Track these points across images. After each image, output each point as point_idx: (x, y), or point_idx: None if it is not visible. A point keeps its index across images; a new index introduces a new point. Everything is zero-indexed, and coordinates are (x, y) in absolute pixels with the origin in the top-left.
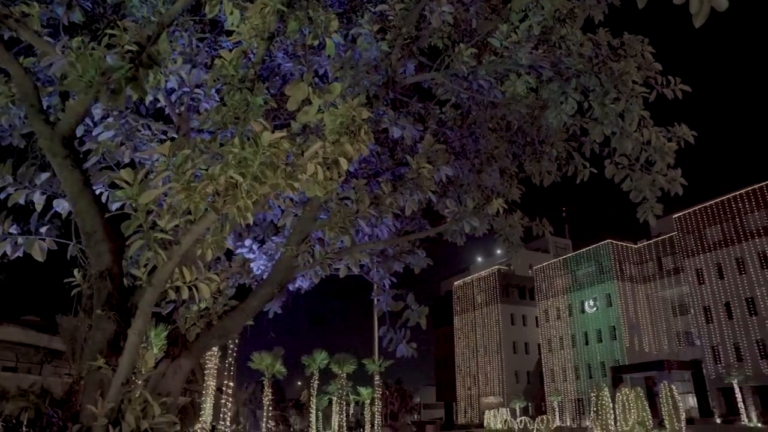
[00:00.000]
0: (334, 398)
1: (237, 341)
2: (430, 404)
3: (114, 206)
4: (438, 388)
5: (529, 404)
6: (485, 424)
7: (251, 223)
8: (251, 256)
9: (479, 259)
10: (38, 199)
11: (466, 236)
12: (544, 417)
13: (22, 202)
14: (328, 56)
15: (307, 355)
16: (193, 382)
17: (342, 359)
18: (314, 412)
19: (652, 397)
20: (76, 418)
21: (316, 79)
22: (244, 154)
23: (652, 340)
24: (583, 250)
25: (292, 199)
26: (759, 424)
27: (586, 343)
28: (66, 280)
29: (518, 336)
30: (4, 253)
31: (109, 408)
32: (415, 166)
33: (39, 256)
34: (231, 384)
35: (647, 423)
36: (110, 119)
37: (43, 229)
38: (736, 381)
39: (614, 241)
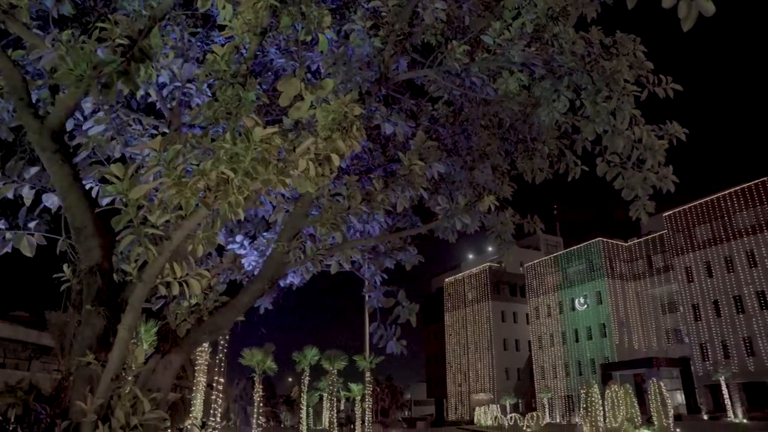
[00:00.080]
0: (325, 394)
1: (228, 337)
2: (420, 401)
3: (104, 201)
4: (429, 384)
5: (520, 401)
6: (475, 421)
7: (242, 218)
8: (242, 251)
9: (470, 256)
10: (27, 194)
11: (457, 233)
12: (534, 414)
13: (10, 196)
14: (321, 52)
15: (298, 352)
16: (183, 378)
17: (333, 355)
18: (305, 408)
19: (641, 394)
20: (65, 414)
21: (309, 75)
22: (236, 149)
23: (642, 338)
24: (574, 247)
25: (283, 195)
26: (745, 420)
27: (576, 341)
28: (55, 276)
29: (509, 333)
30: None
31: (98, 404)
32: (407, 163)
33: (28, 252)
34: (221, 380)
35: (636, 419)
36: (101, 113)
37: (31, 224)
38: (723, 378)
39: (605, 239)
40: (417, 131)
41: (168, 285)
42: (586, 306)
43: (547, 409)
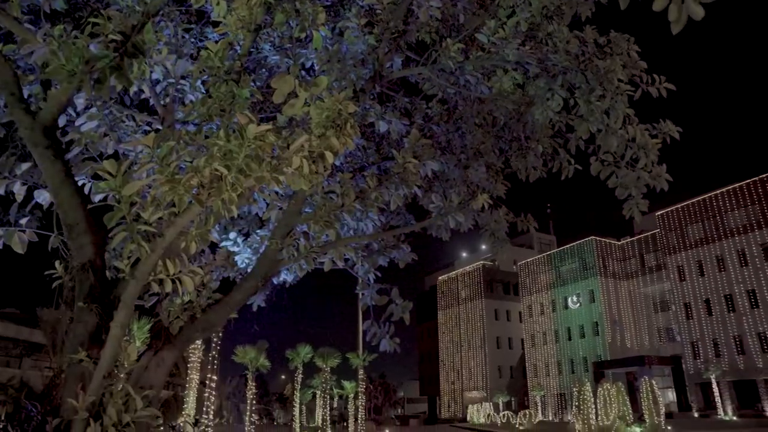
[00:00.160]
0: (318, 392)
1: (220, 335)
2: (413, 398)
3: (97, 198)
4: (422, 382)
5: (512, 399)
6: (468, 419)
7: (236, 215)
8: (236, 249)
9: (464, 254)
10: (18, 190)
11: (451, 231)
12: (527, 411)
13: (1, 192)
14: (315, 49)
15: (291, 349)
16: (176, 376)
17: (326, 353)
18: (298, 405)
19: (633, 392)
20: (56, 411)
21: (303, 72)
22: (230, 146)
23: (634, 336)
24: (567, 246)
25: (277, 193)
26: (734, 418)
27: (569, 339)
28: (47, 273)
29: (502, 331)
30: None
31: (90, 401)
32: (401, 161)
33: (19, 248)
34: (214, 377)
35: (627, 417)
36: (94, 109)
37: (23, 221)
38: (713, 376)
39: (598, 238)
40: (411, 129)
41: (161, 282)
42: (578, 304)
43: (539, 407)
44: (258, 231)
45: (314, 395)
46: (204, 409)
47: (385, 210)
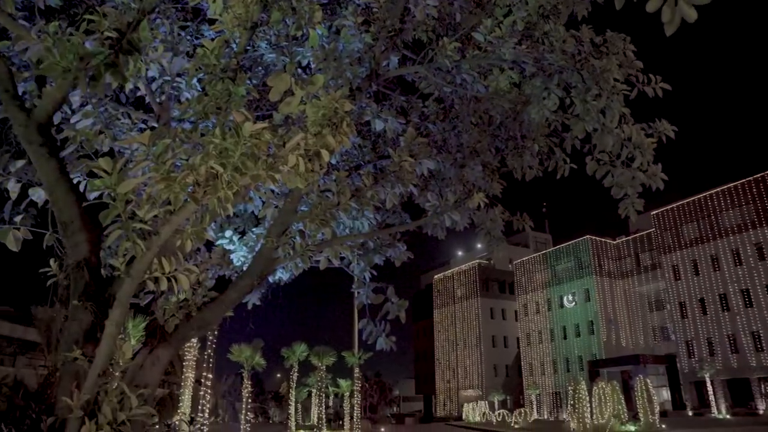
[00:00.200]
0: (314, 390)
1: (216, 333)
2: (409, 397)
3: (92, 195)
4: (417, 381)
5: (508, 397)
6: (464, 417)
7: (231, 214)
8: (231, 247)
9: (460, 253)
10: (13, 187)
11: (446, 230)
12: (522, 410)
13: None
14: (312, 47)
15: (287, 347)
16: (171, 374)
17: (322, 351)
18: (293, 404)
19: (628, 391)
20: (51, 410)
21: (299, 70)
22: (225, 144)
23: (629, 335)
24: (563, 245)
25: (273, 191)
26: (728, 416)
27: (564, 338)
28: (41, 271)
29: (497, 330)
30: None
31: (84, 400)
32: (397, 159)
33: (13, 246)
34: (210, 376)
35: (622, 416)
36: (89, 107)
37: (17, 218)
38: (707, 375)
39: (593, 237)
40: (407, 128)
41: (156, 280)
42: (574, 303)
43: (534, 406)
44: (254, 229)
45: (310, 394)
46: (199, 407)
47: (381, 208)
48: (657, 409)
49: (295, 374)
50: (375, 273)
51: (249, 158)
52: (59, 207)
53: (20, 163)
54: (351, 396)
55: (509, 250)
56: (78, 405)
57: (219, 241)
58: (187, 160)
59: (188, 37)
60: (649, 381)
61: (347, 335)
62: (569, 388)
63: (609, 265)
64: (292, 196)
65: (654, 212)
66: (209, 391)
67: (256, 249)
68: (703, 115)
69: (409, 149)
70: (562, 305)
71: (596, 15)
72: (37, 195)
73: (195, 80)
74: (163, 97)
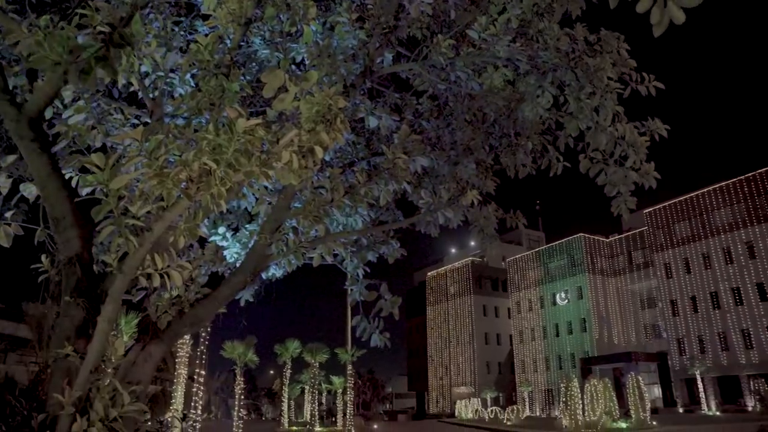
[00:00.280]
0: (307, 387)
1: (209, 329)
2: (402, 394)
3: (84, 191)
4: (410, 378)
5: (500, 394)
6: (456, 414)
7: (225, 210)
8: (224, 243)
9: (453, 250)
10: (4, 183)
11: (440, 227)
12: (515, 407)
13: None
14: (306, 44)
15: (280, 344)
16: (164, 371)
17: (315, 348)
18: (286, 401)
19: (620, 388)
20: (42, 407)
21: (293, 67)
22: (219, 140)
23: (621, 333)
24: (556, 243)
25: (266, 187)
26: (718, 413)
27: (557, 335)
28: (33, 267)
29: (490, 327)
30: None
31: (76, 396)
32: (391, 156)
33: (4, 242)
34: (203, 372)
35: (614, 413)
36: (81, 102)
37: (8, 214)
38: (698, 372)
39: (586, 235)
40: (401, 125)
41: (149, 276)
42: (567, 301)
43: (527, 403)
44: (247, 226)
45: (303, 390)
46: (192, 404)
47: (375, 205)
48: (648, 406)
49: (288, 371)
50: (368, 270)
51: (242, 154)
52: (51, 202)
53: (11, 158)
54: (344, 393)
55: (502, 248)
56: (69, 402)
57: (212, 238)
58: (180, 156)
59: (182, 33)
60: (640, 378)
61: (340, 332)
62: (561, 385)
63: (602, 263)
64: (285, 193)
65: (647, 210)
66: (202, 387)
67: (249, 245)
68: (696, 114)
69: (402, 146)
70: (554, 303)
71: (590, 14)
72: (29, 190)
73: (188, 76)
74: (156, 93)
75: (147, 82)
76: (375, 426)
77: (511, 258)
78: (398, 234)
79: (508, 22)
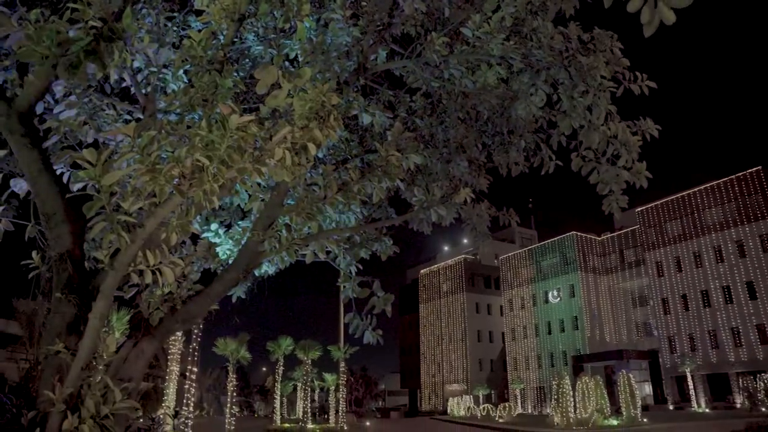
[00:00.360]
0: (299, 384)
1: (201, 326)
2: (394, 391)
3: (75, 187)
4: (402, 375)
5: (492, 392)
6: (449, 411)
7: (217, 207)
8: (217, 240)
9: (446, 248)
10: None
11: (433, 225)
12: (507, 404)
13: None
14: (299, 40)
15: (273, 341)
16: (156, 367)
17: (307, 345)
18: (279, 397)
19: (611, 385)
20: (33, 404)
21: (287, 63)
22: (212, 137)
23: (613, 331)
24: (548, 241)
25: (259, 184)
26: (707, 410)
27: (549, 333)
28: (23, 263)
29: (483, 325)
30: None
31: (67, 393)
32: (384, 154)
33: None
34: (195, 369)
35: (605, 410)
36: (73, 97)
37: None
38: (688, 370)
39: (579, 233)
40: (394, 122)
41: (141, 273)
42: (559, 299)
43: (519, 400)
44: (240, 222)
45: (295, 387)
46: (184, 401)
47: (368, 203)
48: (639, 404)
49: (281, 368)
50: (361, 267)
51: (235, 151)
52: (42, 198)
53: (2, 153)
54: (336, 390)
55: (495, 246)
56: (60, 398)
57: (204, 234)
58: (172, 152)
59: (174, 28)
60: (631, 376)
61: (333, 329)
62: (553, 382)
63: (594, 261)
64: (278, 190)
65: (638, 209)
66: (194, 384)
67: (242, 242)
68: (687, 114)
69: (396, 144)
70: (547, 301)
71: (584, 13)
72: (19, 186)
73: (181, 72)
74: (149, 89)
75: (139, 77)
76: (367, 423)
77: (504, 256)
78: (391, 231)
79: (502, 20)
